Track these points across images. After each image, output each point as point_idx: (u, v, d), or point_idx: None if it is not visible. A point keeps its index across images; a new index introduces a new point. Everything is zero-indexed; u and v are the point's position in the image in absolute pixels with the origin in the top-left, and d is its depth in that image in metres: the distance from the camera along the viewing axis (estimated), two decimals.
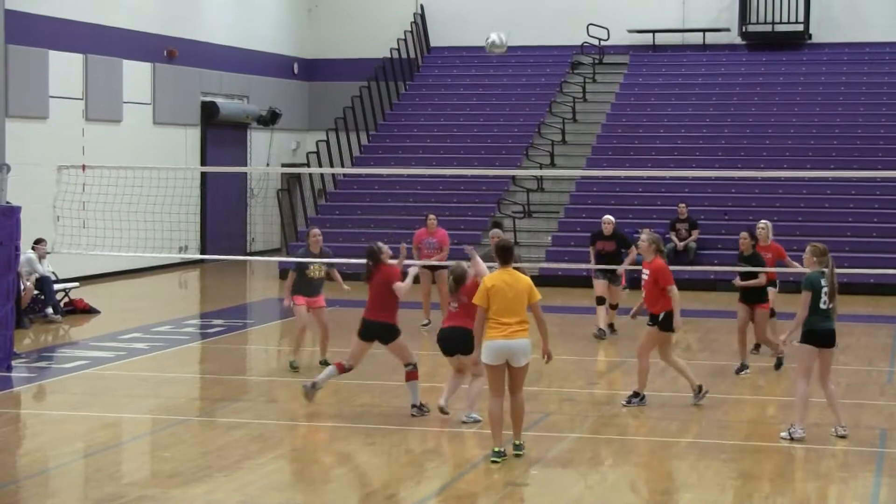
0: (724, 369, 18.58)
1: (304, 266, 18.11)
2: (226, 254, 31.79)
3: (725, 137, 33.24)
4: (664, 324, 15.30)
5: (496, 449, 12.81)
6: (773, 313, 18.76)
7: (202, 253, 32.42)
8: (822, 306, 13.82)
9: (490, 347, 12.78)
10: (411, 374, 15.04)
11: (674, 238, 28.99)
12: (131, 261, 27.77)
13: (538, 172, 31.64)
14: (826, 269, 13.89)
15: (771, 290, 18.68)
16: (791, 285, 21.00)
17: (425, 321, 22.18)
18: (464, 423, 14.35)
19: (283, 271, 30.35)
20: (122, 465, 13.56)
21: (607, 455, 12.83)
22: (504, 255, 12.99)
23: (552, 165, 32.52)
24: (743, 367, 17.95)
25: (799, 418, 13.87)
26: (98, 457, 13.74)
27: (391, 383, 16.58)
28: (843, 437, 13.88)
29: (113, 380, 17.85)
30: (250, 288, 31.22)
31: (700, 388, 15.72)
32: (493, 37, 23.65)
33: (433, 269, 21.82)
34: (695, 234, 29.13)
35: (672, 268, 23.09)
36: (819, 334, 13.80)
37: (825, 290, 13.81)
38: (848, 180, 29.52)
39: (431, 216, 22.58)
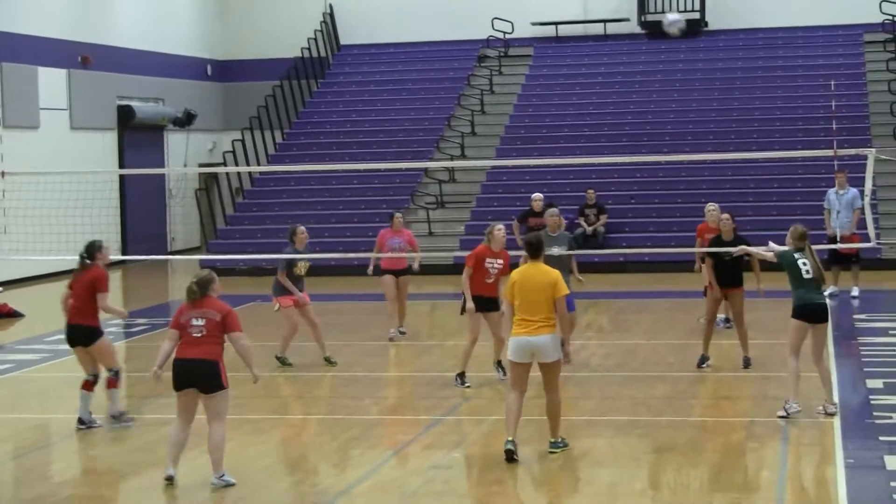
0: (633, 348, 18.78)
1: (292, 264, 17.45)
2: (147, 254, 31.53)
3: (629, 124, 33.48)
4: None
5: (510, 439, 12.11)
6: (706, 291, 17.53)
7: (123, 254, 32.09)
8: (806, 276, 13.58)
9: (517, 344, 12.12)
10: (112, 382, 14.32)
11: (583, 223, 29.14)
12: (53, 264, 27.41)
13: (449, 164, 31.78)
14: (806, 246, 13.70)
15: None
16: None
17: (400, 328, 20.16)
18: (214, 485, 11.65)
19: (204, 269, 30.26)
20: (53, 465, 13.43)
21: (528, 435, 12.81)
22: (533, 248, 12.28)
23: (463, 157, 32.60)
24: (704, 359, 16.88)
25: (793, 393, 13.65)
26: (28, 457, 13.59)
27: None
28: (831, 414, 13.62)
29: (40, 382, 17.66)
30: (172, 286, 30.87)
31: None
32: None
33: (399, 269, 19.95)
34: (603, 218, 29.33)
35: (583, 252, 23.20)
36: (811, 308, 13.60)
37: (803, 261, 13.58)
38: (747, 161, 29.70)
39: (397, 217, 20.17)
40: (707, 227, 18.58)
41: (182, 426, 11.65)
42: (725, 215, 17.20)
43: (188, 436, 11.71)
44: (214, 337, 11.44)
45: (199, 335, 11.44)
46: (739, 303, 16.55)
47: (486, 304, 15.87)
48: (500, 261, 15.94)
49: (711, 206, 18.83)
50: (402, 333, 20.03)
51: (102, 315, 14.40)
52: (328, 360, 17.57)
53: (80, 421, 14.25)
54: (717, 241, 16.96)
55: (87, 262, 14.42)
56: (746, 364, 16.51)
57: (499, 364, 16.06)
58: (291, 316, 17.48)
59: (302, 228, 17.69)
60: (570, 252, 16.95)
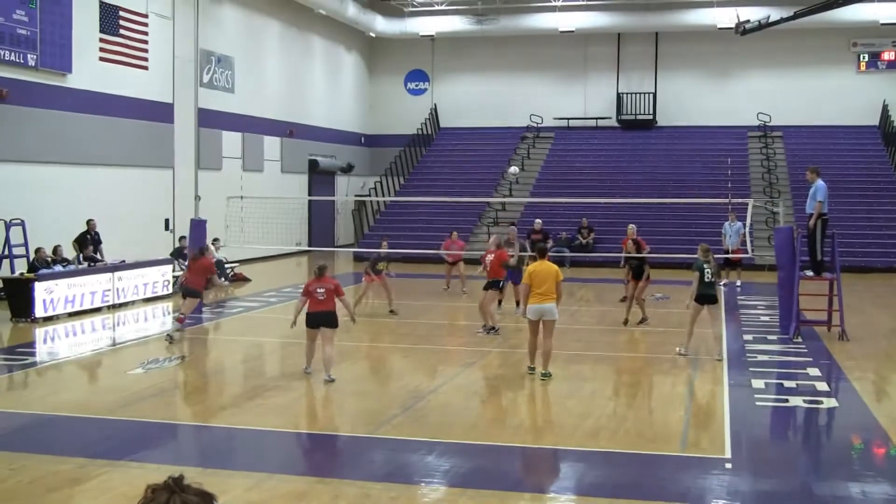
0: (607, 312, 18.62)
1: (377, 262, 18.25)
2: (322, 246, 31.92)
3: (610, 179, 33.19)
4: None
5: (530, 366, 12.21)
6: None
7: (309, 246, 32.47)
8: (706, 279, 13.46)
9: (531, 308, 11.90)
10: (180, 320, 14.88)
11: (579, 237, 29.01)
12: (269, 251, 27.81)
13: (502, 200, 31.75)
14: (710, 259, 13.56)
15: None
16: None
17: (445, 287, 21.64)
18: (325, 380, 11.68)
19: (356, 258, 30.47)
20: (265, 367, 13.60)
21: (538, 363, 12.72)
22: (540, 252, 12.33)
23: (510, 195, 32.46)
24: (643, 319, 16.77)
25: (686, 343, 13.73)
26: (250, 362, 13.80)
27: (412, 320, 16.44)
28: (719, 360, 13.20)
29: (259, 319, 17.90)
30: (337, 266, 31.21)
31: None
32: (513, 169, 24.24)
33: (454, 261, 21.74)
34: (591, 234, 29.17)
35: (577, 254, 22.85)
36: (704, 297, 13.48)
37: (707, 270, 13.45)
38: (679, 203, 29.49)
39: (454, 233, 22.45)
40: (627, 239, 17.92)
41: (312, 345, 12.08)
42: (630, 233, 17.43)
43: (315, 350, 12.07)
44: (331, 298, 11.77)
45: (322, 298, 11.73)
46: (642, 287, 16.76)
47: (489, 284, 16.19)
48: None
49: (631, 226, 18.22)
50: (465, 293, 20.67)
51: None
52: (392, 311, 17.80)
53: (170, 336, 14.67)
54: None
55: (202, 255, 14.94)
56: (640, 322, 16.67)
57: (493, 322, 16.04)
58: (366, 286, 18.06)
59: (385, 243, 18.82)
60: (522, 253, 17.66)
